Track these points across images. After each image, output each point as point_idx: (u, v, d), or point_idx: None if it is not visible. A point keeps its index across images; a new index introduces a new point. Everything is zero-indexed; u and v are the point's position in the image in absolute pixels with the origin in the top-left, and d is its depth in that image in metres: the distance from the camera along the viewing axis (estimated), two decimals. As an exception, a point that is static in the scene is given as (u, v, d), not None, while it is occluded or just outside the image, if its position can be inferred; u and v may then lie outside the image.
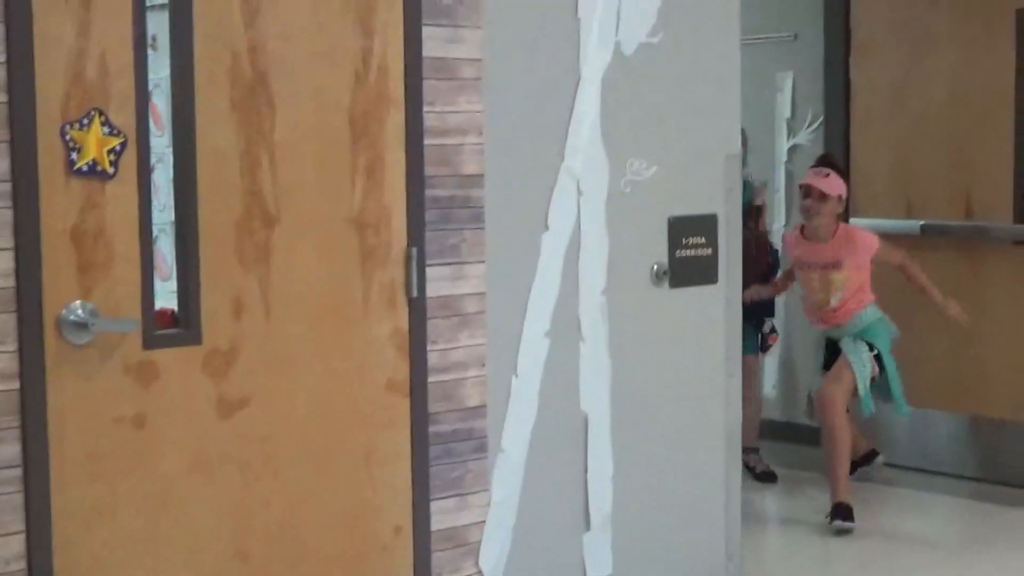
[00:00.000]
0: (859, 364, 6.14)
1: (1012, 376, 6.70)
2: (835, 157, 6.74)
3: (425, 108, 4.00)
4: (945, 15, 6.94)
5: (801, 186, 6.38)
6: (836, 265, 6.23)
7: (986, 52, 6.78)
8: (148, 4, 3.53)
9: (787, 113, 7.62)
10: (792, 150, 7.62)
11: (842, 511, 6.01)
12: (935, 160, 6.98)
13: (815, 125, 7.50)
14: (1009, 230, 6.68)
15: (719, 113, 4.72)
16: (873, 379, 6.17)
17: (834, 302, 6.22)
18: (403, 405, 4.03)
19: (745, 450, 6.60)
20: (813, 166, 6.48)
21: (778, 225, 7.57)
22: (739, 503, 4.92)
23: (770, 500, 6.63)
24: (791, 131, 7.61)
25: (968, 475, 6.80)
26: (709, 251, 4.70)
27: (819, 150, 7.45)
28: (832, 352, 6.33)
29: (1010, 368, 6.70)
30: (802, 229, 6.41)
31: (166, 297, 3.71)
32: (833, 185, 6.25)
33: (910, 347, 6.47)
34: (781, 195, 7.62)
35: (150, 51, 3.56)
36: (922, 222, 6.96)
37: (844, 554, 5.84)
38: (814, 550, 5.91)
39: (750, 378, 6.58)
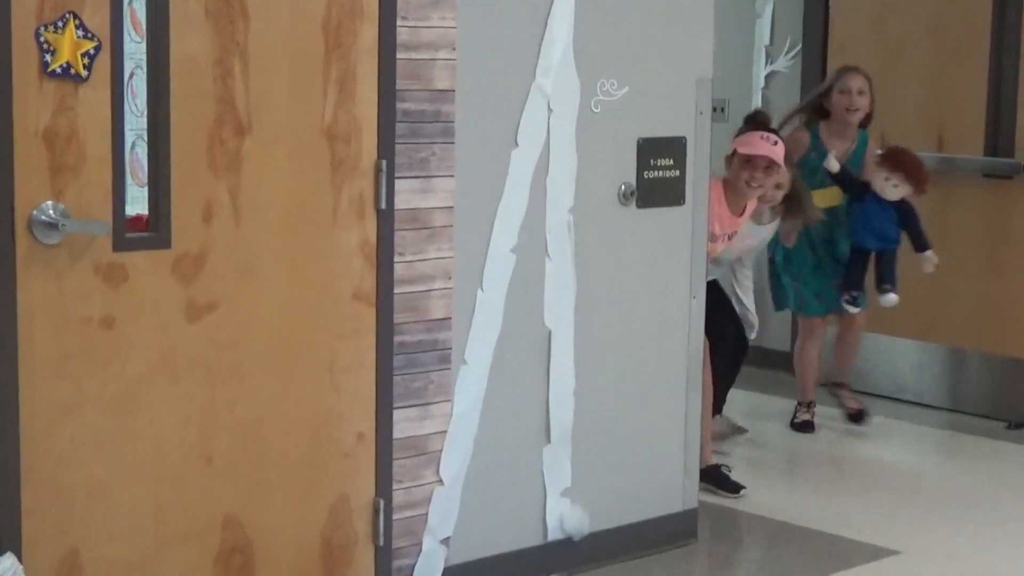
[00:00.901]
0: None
1: (973, 307, 6.80)
2: (767, 115, 6.22)
3: (398, 22, 4.03)
4: (925, -54, 6.96)
5: (748, 157, 5.49)
6: (733, 236, 5.67)
7: (964, -16, 6.82)
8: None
9: (766, 40, 7.65)
10: (770, 76, 7.65)
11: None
12: (910, 91, 7.02)
13: (793, 52, 7.53)
14: (979, 163, 6.74)
15: (692, 36, 4.77)
16: None
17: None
18: (369, 315, 4.09)
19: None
20: (749, 126, 5.76)
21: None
22: (699, 421, 5.01)
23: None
24: (769, 58, 7.64)
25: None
26: (677, 173, 4.76)
27: (796, 77, 7.50)
28: None
29: (970, 298, 6.80)
30: (727, 196, 5.54)
31: (142, 203, 3.74)
32: (780, 154, 5.52)
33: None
34: (757, 122, 7.64)
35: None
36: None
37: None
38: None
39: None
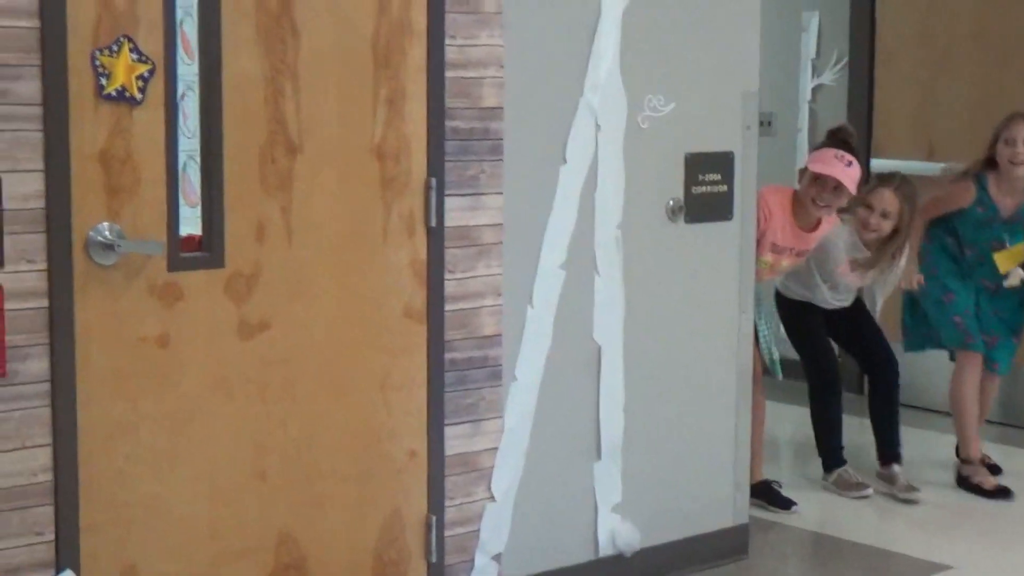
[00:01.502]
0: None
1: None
2: (851, 131, 5.58)
3: (447, 40, 4.07)
4: (968, -45, 6.96)
5: (818, 175, 5.31)
6: (804, 253, 5.51)
7: (1010, -8, 6.81)
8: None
9: (812, 53, 7.65)
10: (816, 90, 7.65)
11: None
12: (958, 102, 7.01)
13: (840, 65, 7.52)
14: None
15: (738, 51, 4.78)
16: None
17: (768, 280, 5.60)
18: (420, 332, 4.12)
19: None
20: (830, 142, 5.48)
21: (800, 164, 7.58)
22: (748, 436, 5.01)
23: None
24: (816, 71, 7.64)
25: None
26: (724, 188, 4.77)
27: (843, 90, 7.49)
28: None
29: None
30: (793, 209, 5.41)
31: (194, 223, 3.79)
32: (854, 177, 5.30)
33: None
34: (804, 134, 7.65)
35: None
36: (943, 164, 6.99)
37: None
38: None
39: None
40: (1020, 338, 6.09)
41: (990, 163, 5.86)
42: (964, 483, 5.91)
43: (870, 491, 5.71)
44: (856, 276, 5.69)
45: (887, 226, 5.56)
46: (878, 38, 7.34)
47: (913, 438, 6.35)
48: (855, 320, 5.87)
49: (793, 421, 6.53)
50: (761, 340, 5.52)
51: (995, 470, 6.05)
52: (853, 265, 5.63)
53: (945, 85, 7.05)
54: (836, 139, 5.46)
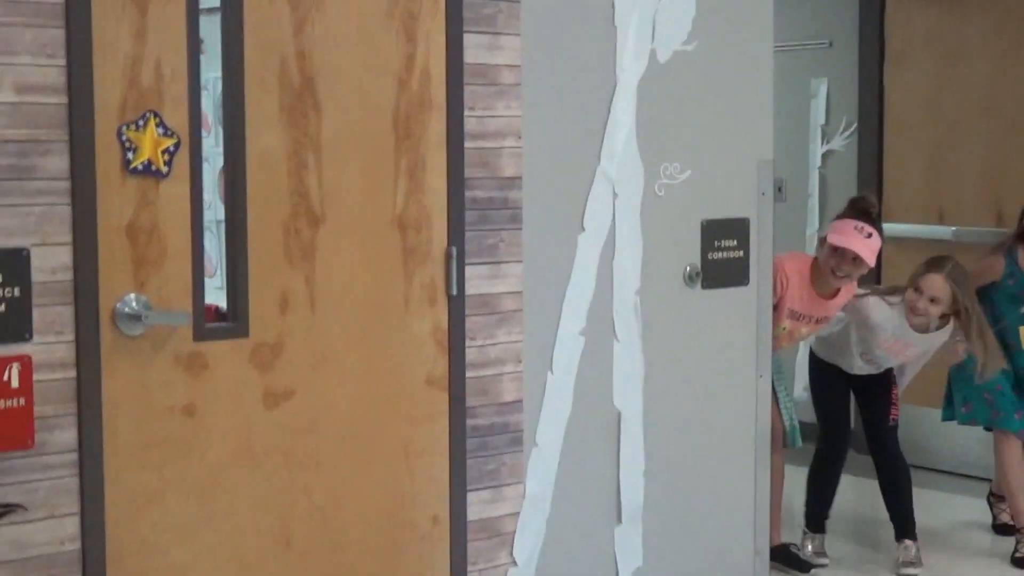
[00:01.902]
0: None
1: None
2: (872, 200, 5.55)
3: (466, 112, 4.14)
4: (978, 24, 7.04)
5: (835, 248, 5.31)
6: (824, 320, 5.53)
7: (1018, 61, 6.89)
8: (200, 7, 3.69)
9: (821, 119, 7.73)
10: (826, 155, 7.73)
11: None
12: (968, 168, 7.08)
13: (849, 131, 7.60)
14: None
15: (752, 119, 4.84)
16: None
17: (787, 347, 5.63)
18: (442, 399, 4.16)
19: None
20: (850, 212, 5.46)
21: (811, 230, 7.67)
22: (767, 500, 5.03)
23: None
24: (825, 137, 7.72)
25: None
26: (741, 253, 4.82)
27: (853, 156, 7.56)
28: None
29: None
30: (812, 276, 5.43)
31: (212, 293, 3.85)
32: (874, 248, 5.32)
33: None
34: (815, 200, 7.72)
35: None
36: (954, 228, 7.06)
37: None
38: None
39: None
40: None
41: (1021, 237, 5.88)
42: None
43: (812, 572, 5.59)
44: (900, 355, 5.64)
45: (935, 311, 5.48)
46: (887, 105, 7.42)
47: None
48: (872, 391, 5.81)
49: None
50: (782, 408, 5.54)
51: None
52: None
53: (954, 151, 7.11)
54: (856, 208, 5.45)
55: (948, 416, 6.19)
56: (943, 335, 5.61)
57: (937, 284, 5.47)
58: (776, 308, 5.22)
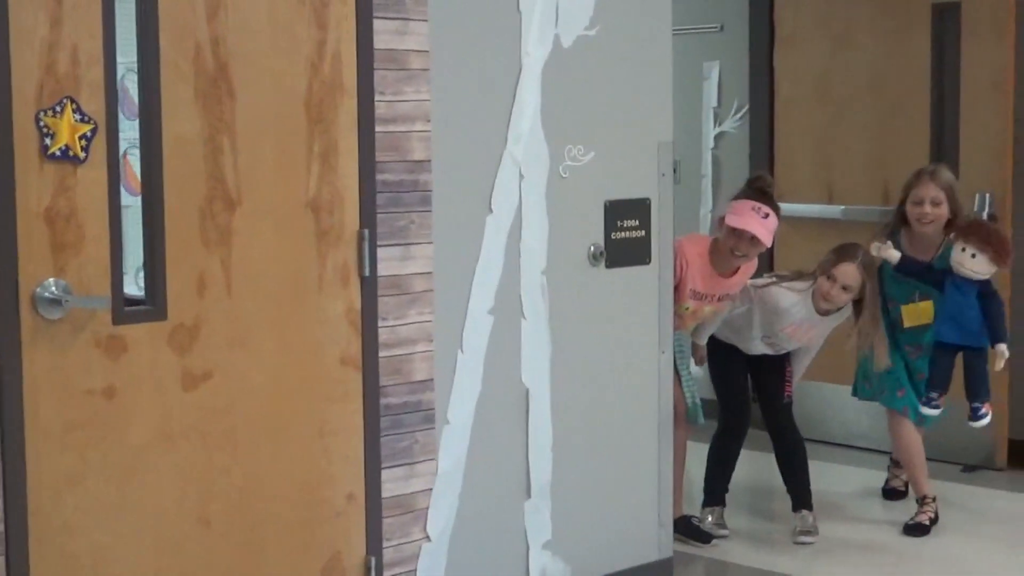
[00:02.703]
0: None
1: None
2: (769, 180, 5.71)
3: (376, 97, 4.21)
4: (865, 8, 7.21)
5: (734, 228, 5.42)
6: (725, 298, 5.64)
7: (903, 44, 7.06)
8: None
9: (714, 102, 7.86)
10: (719, 137, 7.86)
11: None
12: (855, 148, 7.26)
13: (740, 113, 7.75)
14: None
15: (652, 102, 4.97)
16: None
17: (691, 328, 5.80)
18: (356, 379, 4.24)
19: None
20: (748, 192, 5.57)
21: (705, 210, 7.82)
22: (671, 474, 5.17)
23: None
24: (717, 119, 7.86)
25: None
26: (643, 233, 4.95)
27: (744, 137, 7.72)
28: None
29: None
30: (711, 257, 5.55)
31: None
32: (771, 228, 5.44)
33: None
34: (708, 180, 7.87)
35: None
36: (843, 207, 7.24)
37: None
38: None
39: None
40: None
41: (903, 219, 5.97)
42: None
43: (713, 542, 5.73)
44: (802, 338, 5.80)
45: (846, 298, 5.64)
46: (777, 87, 7.58)
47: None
48: (767, 369, 5.94)
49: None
50: (684, 385, 5.68)
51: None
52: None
53: (842, 132, 7.29)
54: (753, 188, 5.57)
55: (859, 393, 6.31)
56: (841, 316, 5.79)
57: (851, 273, 5.62)
58: (678, 289, 5.34)
